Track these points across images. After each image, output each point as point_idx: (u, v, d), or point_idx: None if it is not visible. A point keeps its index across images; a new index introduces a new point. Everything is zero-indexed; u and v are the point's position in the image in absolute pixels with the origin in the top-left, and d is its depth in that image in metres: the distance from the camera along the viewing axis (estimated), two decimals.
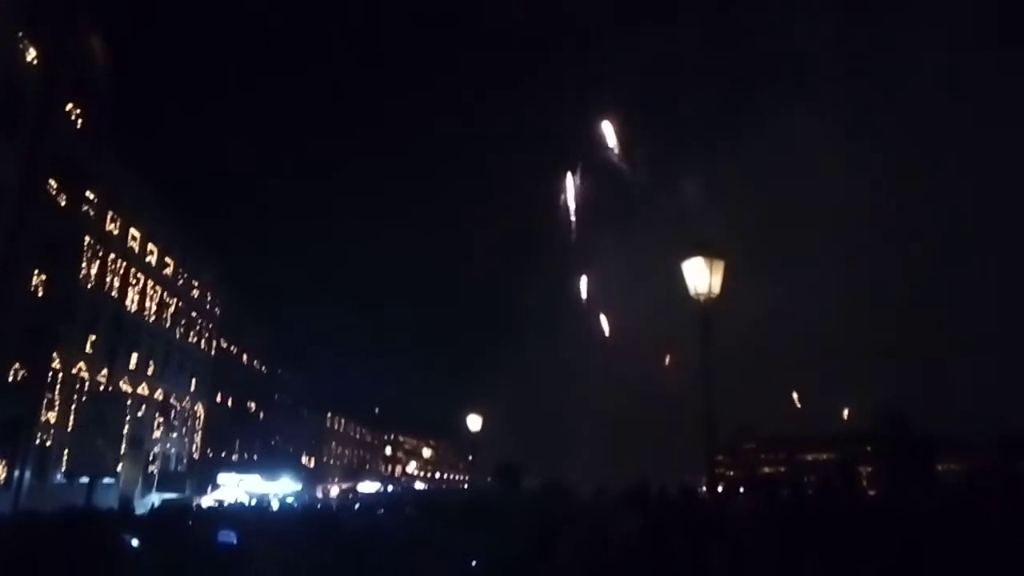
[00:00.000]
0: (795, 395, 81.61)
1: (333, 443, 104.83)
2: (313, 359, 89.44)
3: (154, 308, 45.46)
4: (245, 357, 68.61)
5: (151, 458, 45.37)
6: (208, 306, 57.40)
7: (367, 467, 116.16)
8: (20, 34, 27.84)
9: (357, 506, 34.41)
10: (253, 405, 69.98)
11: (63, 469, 33.33)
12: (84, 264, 35.71)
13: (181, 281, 50.56)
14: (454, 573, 6.40)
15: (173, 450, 49.75)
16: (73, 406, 34.06)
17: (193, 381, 53.25)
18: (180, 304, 50.11)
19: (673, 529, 7.44)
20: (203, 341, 56.29)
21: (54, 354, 32.71)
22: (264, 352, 73.73)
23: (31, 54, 28.48)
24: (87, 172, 33.64)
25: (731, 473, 69.01)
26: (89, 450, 31.33)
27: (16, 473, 29.41)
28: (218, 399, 59.30)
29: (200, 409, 55.31)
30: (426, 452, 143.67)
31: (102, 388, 36.81)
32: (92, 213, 35.83)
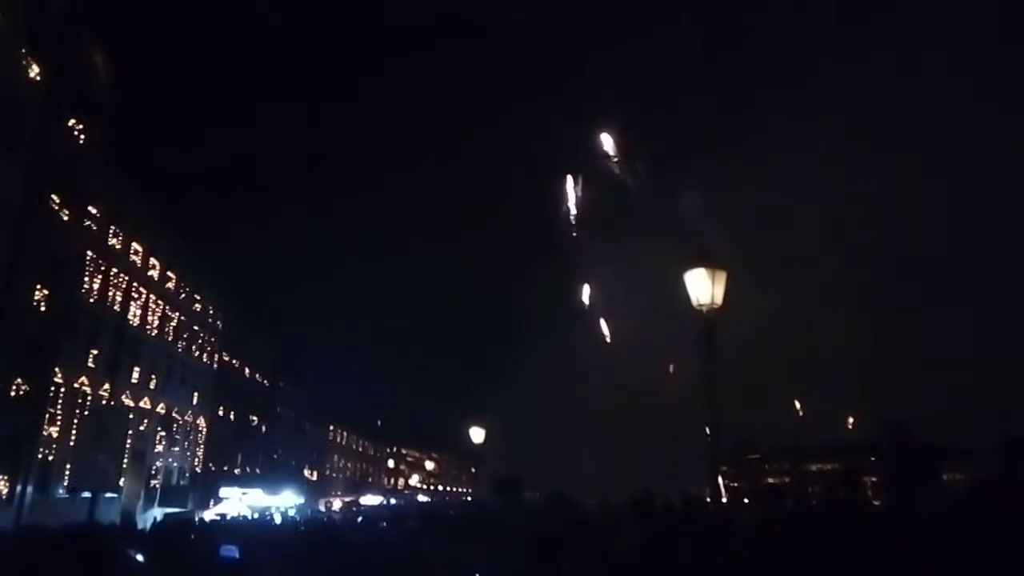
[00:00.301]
0: (797, 404, 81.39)
1: (335, 456, 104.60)
2: (315, 372, 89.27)
3: (156, 322, 45.48)
4: (247, 370, 68.59)
5: (153, 472, 45.27)
6: (210, 320, 57.44)
7: (370, 480, 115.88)
8: (23, 50, 28.00)
9: (360, 519, 34.29)
10: (255, 418, 69.89)
11: (65, 484, 33.28)
12: (86, 279, 35.76)
13: (183, 295, 50.61)
14: None
15: (175, 464, 49.65)
16: (75, 420, 34.03)
17: (195, 395, 53.21)
18: (182, 318, 50.14)
19: (677, 540, 7.41)
20: (205, 355, 56.29)
21: (56, 368, 32.72)
22: (266, 365, 73.70)
23: (33, 70, 28.63)
24: (89, 187, 33.76)
25: (735, 484, 68.72)
26: (91, 464, 31.21)
27: (18, 488, 29.35)
28: (220, 412, 59.22)
29: (202, 423, 55.24)
30: (429, 465, 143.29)
31: (104, 402, 36.79)
32: (94, 228, 35.92)
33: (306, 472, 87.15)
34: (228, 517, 38.73)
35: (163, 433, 46.61)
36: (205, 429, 55.71)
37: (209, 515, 40.80)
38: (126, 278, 40.49)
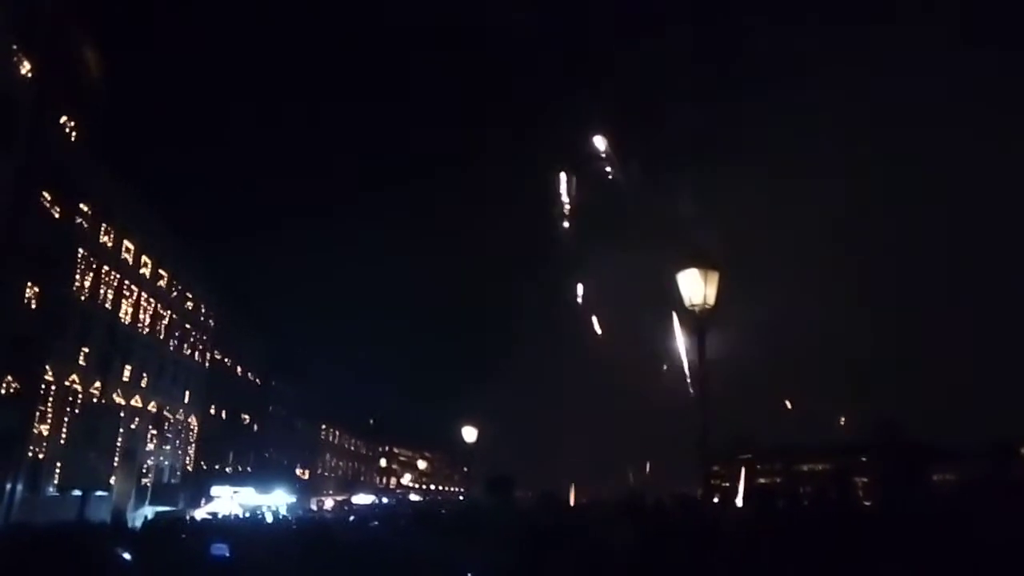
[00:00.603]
0: (788, 403, 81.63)
1: (327, 455, 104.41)
2: (307, 371, 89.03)
3: (148, 320, 45.33)
4: (239, 369, 68.41)
5: (144, 470, 45.14)
6: (202, 318, 57.27)
7: (362, 479, 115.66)
8: (14, 47, 27.87)
9: (351, 518, 34.25)
10: (247, 417, 69.71)
11: (55, 482, 33.17)
12: (77, 276, 35.60)
13: (175, 293, 50.45)
14: None
15: (166, 462, 49.51)
16: (66, 419, 33.91)
17: (187, 393, 53.07)
18: (174, 316, 49.98)
19: (669, 539, 7.43)
20: (197, 353, 56.13)
21: (47, 366, 32.58)
22: (258, 364, 73.53)
23: (25, 67, 28.50)
24: (80, 184, 33.63)
25: (727, 483, 68.83)
26: (82, 463, 31.18)
27: (8, 486, 29.22)
28: (212, 411, 59.07)
29: (194, 421, 55.09)
30: (421, 464, 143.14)
31: (95, 400, 36.65)
32: (85, 225, 35.77)
33: (298, 471, 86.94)
34: (219, 516, 38.63)
35: (154, 432, 46.47)
36: (196, 427, 55.56)
37: (200, 514, 40.66)
38: (118, 276, 40.32)
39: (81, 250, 35.67)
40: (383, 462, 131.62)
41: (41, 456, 32.49)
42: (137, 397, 43.19)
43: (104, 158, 36.93)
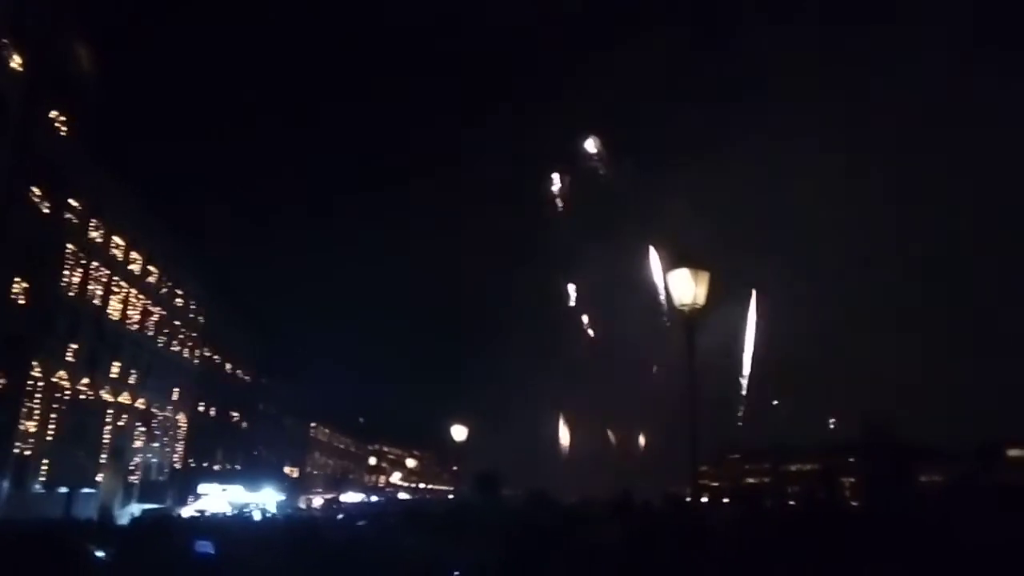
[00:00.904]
0: (775, 402, 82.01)
1: (317, 453, 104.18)
2: (297, 369, 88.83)
3: (137, 317, 45.11)
4: (229, 366, 68.17)
5: (132, 468, 44.93)
6: (192, 315, 57.04)
7: (351, 477, 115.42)
8: (4, 40, 27.70)
9: (340, 516, 34.16)
10: (236, 415, 69.49)
11: (42, 479, 32.99)
12: (66, 272, 35.37)
13: (165, 290, 50.22)
14: None
15: (154, 460, 49.29)
16: (53, 415, 33.72)
17: (176, 390, 52.84)
18: (163, 313, 49.76)
19: (657, 538, 7.46)
20: (186, 350, 55.91)
21: (34, 362, 32.37)
22: (248, 361, 73.29)
23: (15, 61, 28.32)
24: (70, 179, 33.44)
25: (716, 484, 69.13)
26: (69, 460, 31.05)
27: None
28: (201, 408, 58.85)
29: (182, 418, 54.87)
30: (410, 462, 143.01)
31: (83, 397, 36.45)
32: (75, 221, 35.55)
33: (287, 469, 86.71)
34: (207, 514, 38.48)
35: (142, 429, 46.26)
36: (185, 425, 55.34)
37: (188, 511, 40.50)
38: (107, 272, 40.11)
39: (70, 246, 35.45)
40: (372, 460, 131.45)
41: (28, 453, 32.27)
42: (125, 394, 42.97)
43: (94, 153, 36.72)
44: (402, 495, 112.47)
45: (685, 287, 9.13)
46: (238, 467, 67.37)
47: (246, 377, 73.24)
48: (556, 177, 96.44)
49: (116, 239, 41.19)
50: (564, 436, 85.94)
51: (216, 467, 62.68)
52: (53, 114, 31.61)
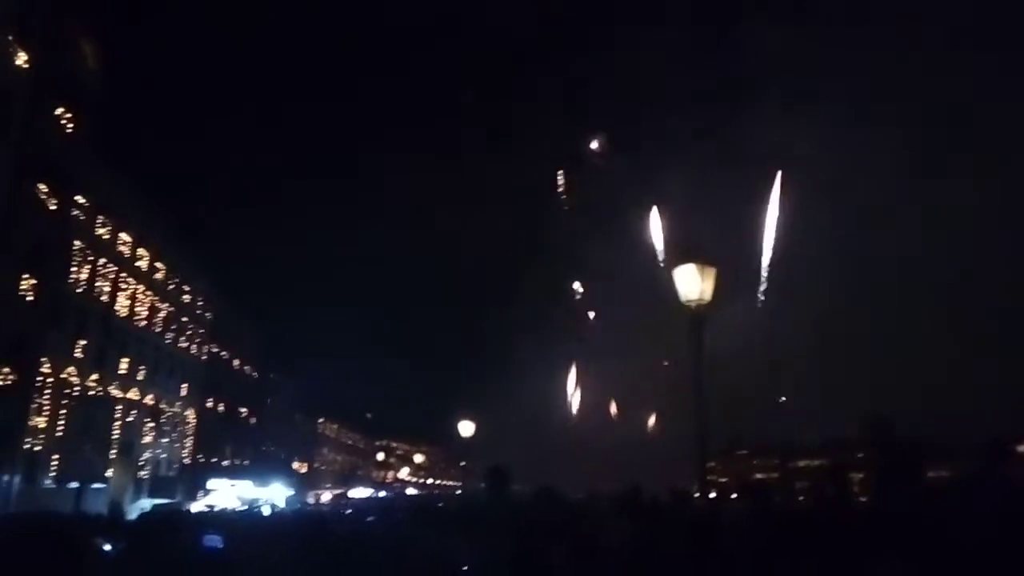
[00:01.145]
0: (784, 399, 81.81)
1: (325, 449, 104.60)
2: (305, 364, 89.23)
3: (144, 313, 45.26)
4: (237, 362, 68.40)
5: (141, 463, 45.15)
6: (199, 311, 57.21)
7: (359, 473, 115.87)
8: (9, 38, 27.76)
9: (348, 511, 34.24)
10: (245, 410, 69.74)
11: (52, 474, 33.18)
12: (73, 269, 35.51)
13: (172, 286, 50.38)
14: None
15: (164, 455, 49.50)
16: (62, 411, 33.89)
17: (184, 386, 53.03)
18: (171, 309, 49.92)
19: (665, 533, 7.43)
20: (194, 346, 56.09)
21: (43, 359, 32.52)
22: (256, 357, 73.52)
23: (20, 58, 28.39)
24: (76, 176, 33.52)
25: (724, 479, 69.06)
26: (78, 455, 31.22)
27: (5, 479, 29.23)
28: (209, 404, 59.06)
29: (191, 414, 55.09)
30: (418, 458, 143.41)
31: (92, 393, 36.62)
32: (82, 217, 35.66)
33: (295, 464, 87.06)
34: (216, 509, 38.64)
35: (151, 424, 46.46)
36: (194, 421, 55.56)
37: (198, 507, 40.68)
38: (114, 268, 40.23)
39: (77, 243, 35.57)
40: (381, 456, 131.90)
41: (38, 449, 32.46)
42: (134, 390, 43.16)
43: (100, 151, 36.85)
44: (410, 491, 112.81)
45: (692, 282, 9.10)
46: (247, 463, 67.64)
47: (254, 373, 73.47)
48: (560, 175, 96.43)
49: (123, 236, 41.31)
50: (573, 431, 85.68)
51: (225, 463, 62.96)
52: (59, 111, 31.68)
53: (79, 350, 36.40)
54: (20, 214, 28.40)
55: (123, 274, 41.49)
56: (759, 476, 78.19)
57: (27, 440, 31.48)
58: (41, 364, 32.45)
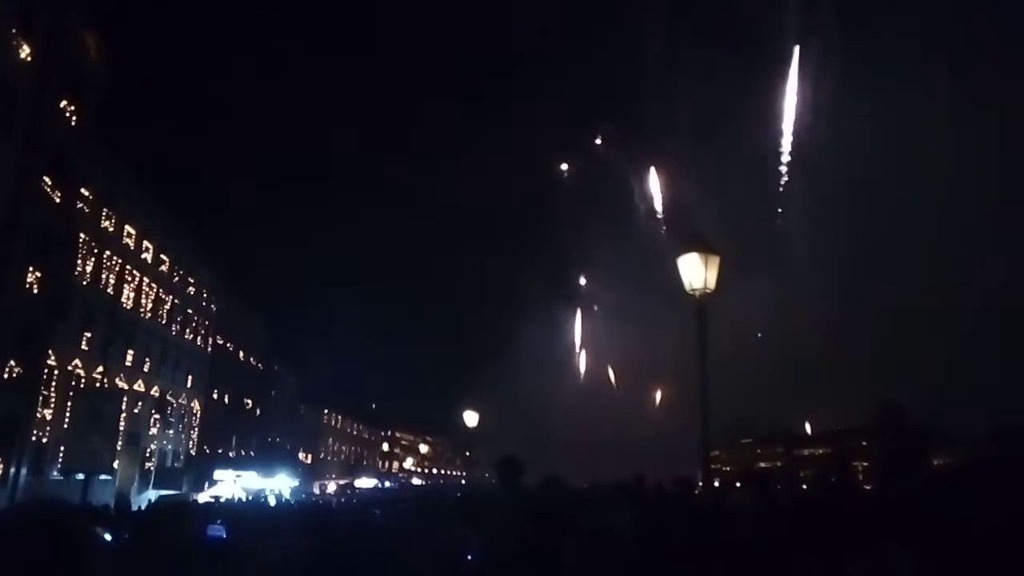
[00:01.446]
0: (792, 391, 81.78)
1: (330, 439, 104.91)
2: (310, 355, 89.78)
3: (150, 305, 45.41)
4: (242, 353, 68.61)
5: (148, 455, 45.38)
6: (204, 303, 57.36)
7: (364, 463, 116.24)
8: (13, 30, 27.72)
9: (354, 501, 34.45)
10: (250, 401, 69.98)
11: (59, 466, 33.34)
12: (79, 261, 35.65)
13: (177, 278, 50.51)
14: (448, 567, 6.39)
15: (170, 447, 49.76)
16: (69, 403, 34.03)
17: (189, 378, 53.23)
18: (176, 301, 50.07)
19: (669, 521, 7.45)
20: (199, 338, 56.26)
21: (49, 351, 32.66)
22: (261, 348, 73.74)
23: (24, 51, 28.36)
24: (81, 169, 33.56)
25: (727, 468, 69.12)
26: (84, 447, 31.26)
27: (12, 470, 29.39)
28: (215, 395, 59.29)
29: (196, 406, 55.31)
30: (423, 448, 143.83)
31: (98, 385, 36.77)
32: (87, 210, 35.77)
33: (301, 455, 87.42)
34: (222, 499, 38.86)
35: (157, 416, 46.67)
36: (199, 412, 55.78)
37: (203, 497, 40.92)
38: (119, 260, 40.36)
39: (82, 235, 35.69)
40: (385, 446, 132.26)
41: (44, 440, 32.65)
42: (140, 382, 43.34)
43: (105, 143, 36.91)
44: (416, 480, 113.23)
45: (696, 271, 9.09)
46: (252, 453, 67.92)
47: (259, 364, 73.69)
48: (564, 167, 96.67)
49: (128, 228, 41.42)
50: (577, 420, 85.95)
51: (231, 454, 63.24)
52: (63, 104, 31.67)
53: (85, 342, 36.57)
54: (25, 207, 28.44)
55: (128, 266, 41.62)
56: (763, 465, 78.25)
57: (34, 432, 31.65)
58: (47, 356, 32.60)
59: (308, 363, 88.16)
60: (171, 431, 49.73)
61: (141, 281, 43.75)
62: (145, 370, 44.14)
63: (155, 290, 46.10)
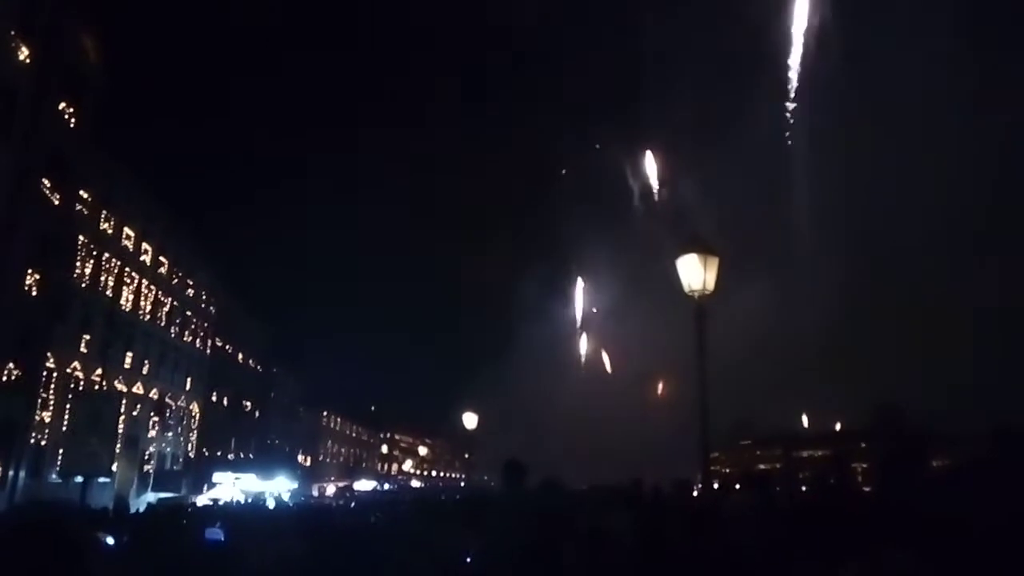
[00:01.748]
0: (789, 395, 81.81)
1: (329, 441, 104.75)
2: (309, 358, 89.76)
3: (149, 307, 45.36)
4: (241, 356, 68.53)
5: (147, 457, 45.30)
6: (203, 305, 57.31)
7: (363, 465, 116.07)
8: (12, 32, 27.71)
9: (352, 504, 34.39)
10: (249, 404, 69.90)
11: (58, 468, 33.30)
12: (78, 263, 35.61)
13: (176, 280, 50.46)
14: (448, 569, 6.38)
15: (169, 449, 49.68)
16: (68, 405, 33.99)
17: (188, 380, 53.17)
18: (175, 303, 50.02)
19: (668, 523, 7.44)
20: (198, 340, 56.20)
21: (48, 353, 32.61)
22: (260, 351, 73.66)
23: (23, 52, 28.35)
24: (80, 171, 33.54)
25: (727, 470, 69.14)
26: (83, 449, 31.27)
27: (11, 473, 29.33)
28: (214, 398, 59.21)
29: (196, 408, 55.23)
30: (422, 450, 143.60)
31: (97, 387, 36.73)
32: (85, 212, 35.74)
33: (300, 457, 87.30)
34: (221, 502, 38.81)
35: (156, 418, 46.59)
36: (198, 414, 55.71)
37: (202, 500, 40.85)
38: (118, 263, 40.33)
39: (81, 237, 35.66)
40: (384, 449, 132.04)
41: (43, 443, 32.60)
42: (139, 384, 43.29)
43: (104, 145, 36.89)
44: (415, 483, 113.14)
45: (694, 273, 9.08)
46: (251, 456, 67.83)
47: (258, 367, 73.62)
48: (563, 169, 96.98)
49: (127, 230, 41.39)
50: (575, 422, 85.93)
51: (230, 456, 63.13)
52: (61, 106, 31.66)
53: (84, 344, 36.53)
54: (25, 209, 28.41)
55: (127, 268, 41.59)
56: (762, 467, 78.26)
57: (33, 434, 31.60)
58: (46, 358, 32.55)
59: (307, 365, 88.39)
60: (170, 433, 49.65)
61: (140, 283, 43.71)
62: (144, 372, 44.08)
63: (154, 292, 46.06)
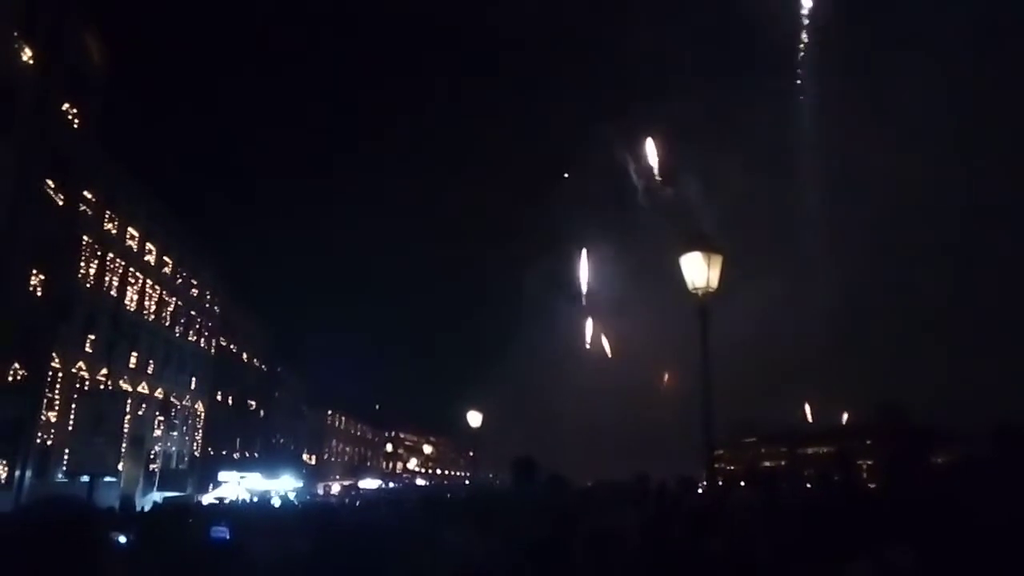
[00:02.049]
0: (793, 391, 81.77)
1: (334, 440, 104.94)
2: (313, 357, 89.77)
3: (153, 307, 45.45)
4: (245, 355, 68.64)
5: (152, 456, 45.40)
6: (207, 304, 57.40)
7: (368, 464, 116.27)
8: (15, 33, 27.77)
9: (357, 503, 34.44)
10: (254, 403, 70.02)
11: (64, 468, 33.40)
12: (82, 263, 35.69)
13: (180, 280, 50.55)
14: (453, 567, 6.40)
15: (174, 448, 49.79)
16: (73, 405, 34.09)
17: (193, 379, 53.26)
18: (179, 303, 50.12)
19: (673, 520, 7.45)
20: (203, 339, 56.30)
21: (53, 354, 32.70)
22: (264, 350, 73.76)
23: (26, 53, 28.41)
24: (84, 171, 33.61)
25: (731, 467, 69.07)
26: (89, 449, 31.34)
27: (17, 473, 29.44)
28: (219, 397, 59.32)
29: (201, 407, 55.34)
30: (427, 448, 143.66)
31: (102, 387, 36.82)
32: (89, 212, 35.80)
33: (305, 456, 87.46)
34: (226, 501, 38.90)
35: (161, 418, 46.70)
36: (203, 414, 55.82)
37: (208, 499, 40.95)
38: (122, 263, 40.41)
39: (85, 237, 35.73)
40: (389, 447, 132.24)
41: (49, 443, 32.68)
42: (144, 383, 43.38)
43: (107, 145, 36.96)
44: (420, 481, 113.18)
45: (698, 271, 9.07)
46: (256, 455, 67.97)
47: (262, 366, 73.74)
48: (567, 172, 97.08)
49: (131, 230, 41.47)
50: (580, 419, 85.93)
51: (235, 455, 63.27)
52: (65, 107, 31.72)
53: (89, 344, 36.61)
54: (28, 210, 28.48)
55: (131, 268, 41.67)
56: (767, 464, 78.19)
57: (38, 434, 31.69)
58: (51, 358, 32.64)
59: (311, 365, 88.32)
60: (175, 433, 49.77)
61: (144, 283, 43.79)
62: (149, 372, 44.18)
63: (158, 292, 46.14)
